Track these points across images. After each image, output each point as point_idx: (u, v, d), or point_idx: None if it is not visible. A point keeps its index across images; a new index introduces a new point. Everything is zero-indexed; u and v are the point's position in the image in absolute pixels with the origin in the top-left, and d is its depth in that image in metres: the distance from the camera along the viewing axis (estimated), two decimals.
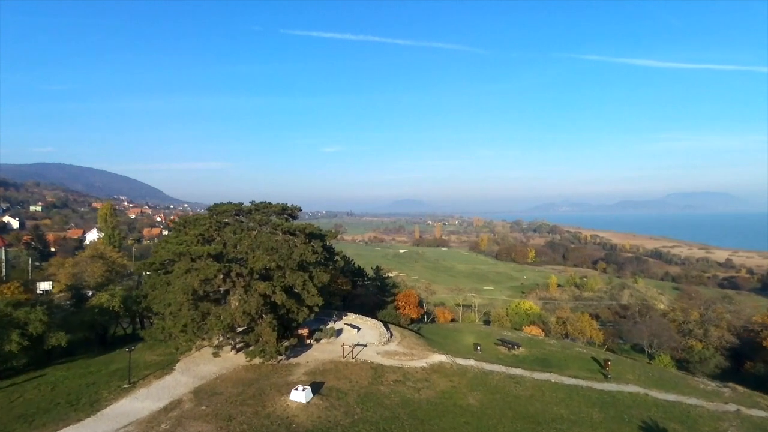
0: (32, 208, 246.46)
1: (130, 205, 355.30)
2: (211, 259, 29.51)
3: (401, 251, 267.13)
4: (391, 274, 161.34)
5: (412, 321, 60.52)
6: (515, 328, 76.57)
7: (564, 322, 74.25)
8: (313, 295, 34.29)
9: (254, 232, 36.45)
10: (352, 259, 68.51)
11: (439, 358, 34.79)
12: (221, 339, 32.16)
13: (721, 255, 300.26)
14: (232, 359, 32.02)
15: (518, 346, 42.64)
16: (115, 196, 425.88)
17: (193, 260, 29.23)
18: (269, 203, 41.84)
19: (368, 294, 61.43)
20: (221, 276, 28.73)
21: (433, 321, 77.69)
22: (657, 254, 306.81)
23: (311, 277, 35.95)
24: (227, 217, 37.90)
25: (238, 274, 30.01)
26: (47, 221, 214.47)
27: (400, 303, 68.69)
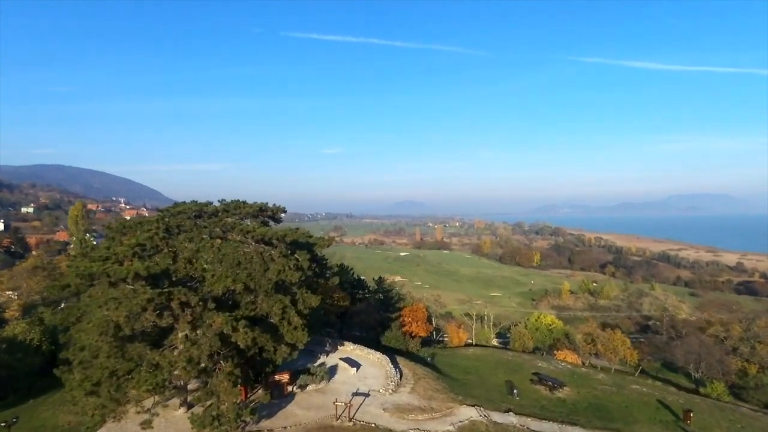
0: (24, 210, 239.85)
1: (127, 207, 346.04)
2: (143, 283, 20.14)
3: (402, 254, 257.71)
4: (395, 280, 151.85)
5: (422, 341, 51.16)
6: (538, 347, 67.33)
7: (593, 340, 64.82)
8: (295, 328, 24.95)
9: (218, 241, 27.10)
10: (351, 269, 59.14)
11: (469, 413, 25.40)
12: (168, 391, 22.71)
13: (729, 258, 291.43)
14: (177, 423, 22.61)
15: (562, 386, 33.29)
16: (113, 198, 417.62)
17: (112, 284, 19.88)
18: (243, 202, 32.46)
19: (369, 310, 52.11)
20: (152, 308, 19.30)
21: (443, 340, 68.27)
22: (665, 257, 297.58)
23: (294, 302, 26.60)
24: (184, 220, 28.53)
25: (184, 304, 20.62)
26: (37, 223, 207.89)
27: (406, 319, 59.27)
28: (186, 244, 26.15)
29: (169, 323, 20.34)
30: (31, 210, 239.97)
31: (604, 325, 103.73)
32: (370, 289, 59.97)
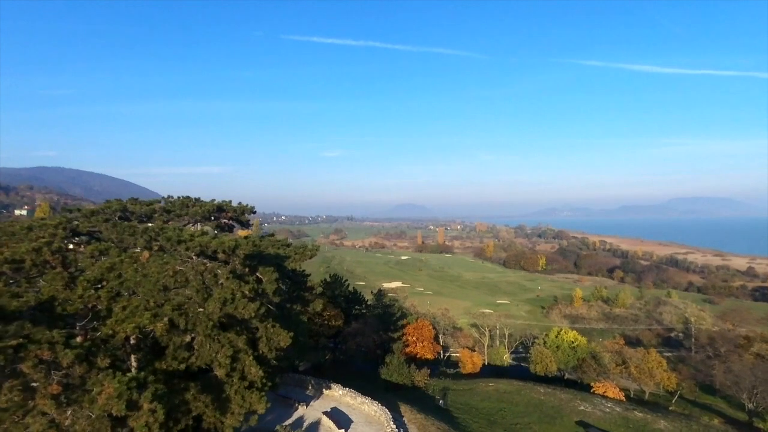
0: (17, 212, 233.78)
1: None
2: None
3: (403, 258, 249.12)
4: (396, 286, 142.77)
5: (430, 367, 42.64)
6: (560, 369, 59.05)
7: (624, 361, 56.43)
8: (249, 386, 16.69)
9: (146, 254, 18.85)
10: (346, 280, 50.79)
11: None
12: None
13: (738, 262, 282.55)
14: None
15: None
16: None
17: None
18: (195, 200, 24.33)
19: (367, 330, 43.70)
20: None
21: (451, 356, 59.99)
22: (673, 262, 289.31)
23: (254, 343, 18.37)
24: (100, 223, 20.28)
25: (48, 364, 12.37)
26: None
27: (410, 338, 51.07)
28: (94, 259, 17.89)
29: (15, 401, 12.03)
30: (24, 213, 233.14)
31: (624, 338, 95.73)
32: (368, 303, 51.59)
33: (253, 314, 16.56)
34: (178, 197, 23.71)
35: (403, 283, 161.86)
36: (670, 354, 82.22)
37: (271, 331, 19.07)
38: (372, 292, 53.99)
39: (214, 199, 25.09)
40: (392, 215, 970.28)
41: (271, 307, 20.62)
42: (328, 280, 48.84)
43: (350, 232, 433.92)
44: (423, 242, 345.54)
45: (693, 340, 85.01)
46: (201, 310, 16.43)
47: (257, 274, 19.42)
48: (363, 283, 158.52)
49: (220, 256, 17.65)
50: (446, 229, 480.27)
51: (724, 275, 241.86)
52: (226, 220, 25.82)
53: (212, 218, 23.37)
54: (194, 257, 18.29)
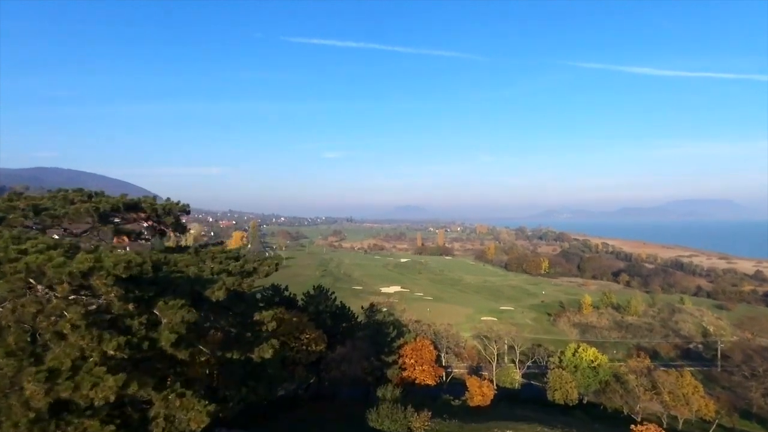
0: None
1: None
2: None
3: (403, 260, 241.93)
4: (394, 291, 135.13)
5: (429, 411, 35.15)
6: (581, 393, 51.61)
7: (654, 386, 48.92)
8: None
9: None
10: (333, 293, 43.25)
11: None
12: None
13: (744, 266, 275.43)
14: None
15: None
16: None
17: None
18: (93, 193, 16.85)
19: (355, 356, 36.17)
20: None
21: (451, 380, 52.39)
22: (678, 265, 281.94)
23: (142, 425, 10.89)
24: None
25: None
26: None
27: (407, 360, 43.63)
28: None
29: None
30: None
31: (639, 350, 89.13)
32: (359, 320, 44.04)
33: (111, 396, 9.04)
34: (63, 190, 16.28)
35: (402, 288, 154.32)
36: (692, 369, 75.22)
37: (176, 404, 11.58)
38: (362, 307, 46.39)
39: (127, 194, 17.62)
40: (392, 216, 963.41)
41: (201, 356, 13.20)
42: (311, 292, 41.39)
43: (349, 234, 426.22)
44: (423, 244, 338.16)
45: (719, 354, 77.74)
46: (14, 391, 8.95)
47: (156, 310, 11.95)
48: (360, 287, 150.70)
49: (60, 288, 10.09)
50: (446, 230, 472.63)
51: (732, 279, 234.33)
52: (148, 225, 18.36)
53: (110, 221, 15.94)
54: (46, 290, 10.77)
